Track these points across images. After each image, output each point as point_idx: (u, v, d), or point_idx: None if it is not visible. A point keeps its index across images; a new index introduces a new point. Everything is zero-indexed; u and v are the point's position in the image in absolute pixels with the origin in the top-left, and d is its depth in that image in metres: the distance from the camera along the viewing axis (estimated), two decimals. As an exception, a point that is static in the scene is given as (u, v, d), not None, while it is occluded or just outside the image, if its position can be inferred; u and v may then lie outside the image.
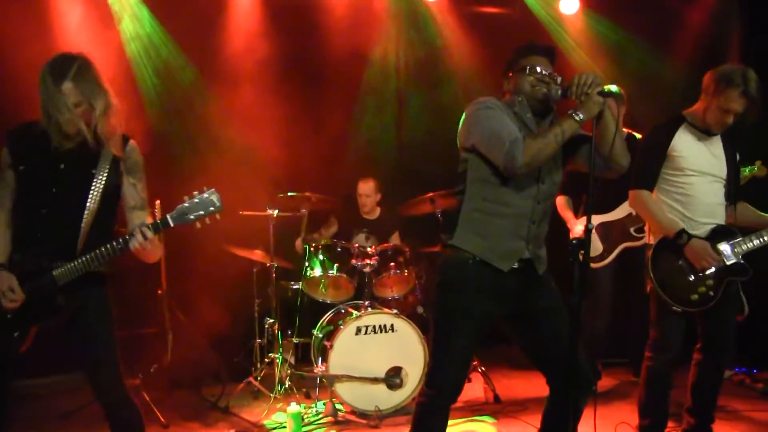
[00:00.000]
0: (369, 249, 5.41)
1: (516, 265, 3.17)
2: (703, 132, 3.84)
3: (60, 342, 5.75)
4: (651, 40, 6.91)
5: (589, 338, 5.26)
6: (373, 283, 5.43)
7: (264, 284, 5.83)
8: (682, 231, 3.75)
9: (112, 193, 3.15)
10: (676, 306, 3.77)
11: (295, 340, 5.83)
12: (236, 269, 5.95)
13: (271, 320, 5.62)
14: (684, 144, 3.82)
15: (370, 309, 5.12)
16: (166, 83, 6.50)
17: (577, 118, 2.97)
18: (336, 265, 5.43)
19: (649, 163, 3.86)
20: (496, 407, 5.18)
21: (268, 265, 5.59)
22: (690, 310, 3.80)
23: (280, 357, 5.42)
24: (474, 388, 5.52)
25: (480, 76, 6.90)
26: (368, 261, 5.32)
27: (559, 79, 3.16)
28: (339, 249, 5.48)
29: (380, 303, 5.40)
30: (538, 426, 3.40)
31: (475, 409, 5.12)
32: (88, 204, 3.06)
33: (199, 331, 5.88)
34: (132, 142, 3.23)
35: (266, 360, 5.53)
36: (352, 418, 4.99)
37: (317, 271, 5.45)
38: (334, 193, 6.03)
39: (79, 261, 3.03)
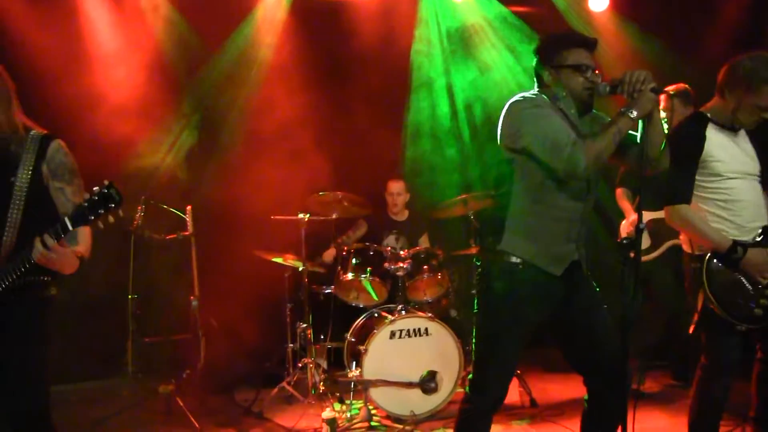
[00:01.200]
0: (401, 252, 5.37)
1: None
2: (729, 129, 3.56)
3: (90, 349, 5.83)
4: (683, 37, 6.79)
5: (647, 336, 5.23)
6: (406, 286, 5.37)
7: (296, 289, 5.82)
8: (735, 244, 3.40)
9: (38, 201, 2.89)
10: (740, 324, 3.44)
11: (328, 344, 5.80)
12: (268, 274, 5.93)
13: (304, 325, 5.59)
14: (717, 147, 3.49)
15: (403, 313, 5.07)
16: (198, 83, 6.56)
17: (631, 116, 2.87)
18: (369, 268, 5.39)
19: (685, 175, 3.50)
20: (533, 411, 5.11)
21: (300, 269, 5.57)
22: (754, 327, 3.47)
23: (314, 362, 5.38)
24: (509, 392, 5.42)
25: (510, 76, 6.85)
26: (401, 264, 5.26)
27: (599, 76, 3.07)
28: (371, 252, 5.45)
29: (413, 306, 5.35)
30: (576, 430, 3.34)
31: (511, 414, 5.04)
32: (9, 216, 2.82)
33: (231, 336, 5.88)
34: (57, 141, 2.97)
35: (299, 365, 5.50)
36: (387, 422, 4.94)
37: (350, 275, 5.41)
38: (364, 194, 6.02)
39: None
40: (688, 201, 3.49)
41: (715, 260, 3.46)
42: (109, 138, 5.65)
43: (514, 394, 5.34)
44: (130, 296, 5.70)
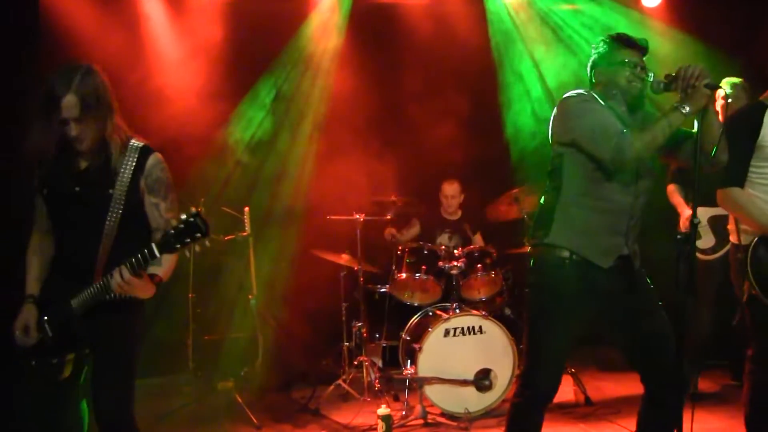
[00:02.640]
0: (456, 251, 5.41)
1: (613, 262, 3.13)
2: None
3: (153, 346, 5.99)
4: (742, 28, 6.66)
5: (695, 336, 5.13)
6: (461, 285, 5.41)
7: (351, 288, 5.91)
8: None
9: (134, 214, 2.97)
10: None
11: (383, 343, 5.87)
12: (324, 274, 6.02)
13: (359, 323, 5.67)
14: None
15: (458, 311, 5.11)
16: (256, 87, 6.73)
17: (684, 111, 2.89)
18: (423, 267, 5.44)
19: (738, 158, 3.47)
20: (588, 409, 5.09)
21: (356, 269, 5.66)
22: None
23: (369, 360, 5.46)
24: (564, 390, 5.34)
25: (563, 74, 6.84)
26: (455, 263, 5.31)
27: (651, 74, 3.09)
28: (426, 251, 5.50)
29: (467, 305, 5.38)
30: (633, 429, 3.34)
31: (566, 411, 5.05)
32: (105, 227, 2.90)
33: (288, 334, 5.99)
34: (156, 155, 3.00)
35: (355, 363, 5.58)
36: (442, 420, 4.98)
37: (404, 274, 5.47)
38: (417, 194, 6.07)
39: (91, 290, 2.89)
40: (740, 184, 3.51)
41: (762, 247, 3.45)
42: (169, 140, 5.82)
43: (568, 393, 5.33)
44: (190, 295, 5.87)
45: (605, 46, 3.21)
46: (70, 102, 2.80)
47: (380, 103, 6.67)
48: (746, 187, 3.53)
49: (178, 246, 2.71)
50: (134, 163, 2.94)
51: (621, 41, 3.19)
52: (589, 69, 3.29)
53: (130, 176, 2.93)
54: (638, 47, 3.18)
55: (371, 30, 6.85)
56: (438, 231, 6.23)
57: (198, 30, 6.31)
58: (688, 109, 2.90)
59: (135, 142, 2.99)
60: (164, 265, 2.96)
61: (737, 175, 3.51)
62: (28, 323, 3.00)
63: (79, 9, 5.80)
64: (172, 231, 2.70)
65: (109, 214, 2.90)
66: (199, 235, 2.70)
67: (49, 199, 2.99)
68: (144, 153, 2.98)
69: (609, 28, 6.73)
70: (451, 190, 6.25)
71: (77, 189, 2.93)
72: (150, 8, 6.24)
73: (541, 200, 3.34)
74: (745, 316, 3.58)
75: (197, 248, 2.79)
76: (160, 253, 2.73)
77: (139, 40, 6.18)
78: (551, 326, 3.16)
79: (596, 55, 3.24)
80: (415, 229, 6.39)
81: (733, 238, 3.68)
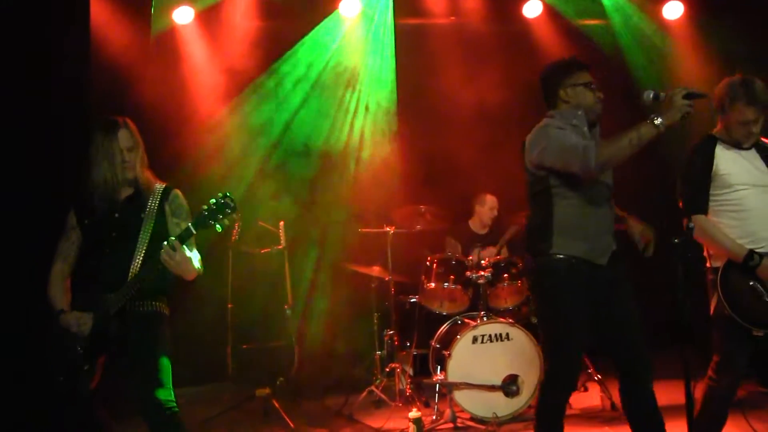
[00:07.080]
0: (482, 261, 5.57)
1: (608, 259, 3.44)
2: (736, 147, 3.72)
3: (194, 356, 6.23)
4: (761, 40, 6.73)
5: None
6: (488, 294, 5.56)
7: (382, 298, 6.09)
8: (752, 252, 3.55)
9: (161, 233, 3.41)
10: (758, 330, 3.57)
11: (413, 351, 6.02)
12: (356, 285, 6.22)
13: (390, 332, 5.85)
14: (726, 161, 3.67)
15: (485, 319, 5.27)
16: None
17: (656, 123, 3.08)
18: (451, 277, 5.61)
19: (698, 187, 3.69)
20: (614, 414, 5.18)
21: (386, 279, 5.85)
22: None
23: (400, 366, 5.64)
24: (591, 397, 5.56)
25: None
26: (482, 273, 5.47)
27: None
28: (453, 262, 5.67)
29: (495, 314, 5.52)
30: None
31: (592, 417, 5.18)
32: (138, 243, 3.38)
33: (322, 343, 6.19)
34: (176, 190, 3.57)
35: (387, 370, 5.76)
36: (471, 424, 5.12)
37: (433, 284, 5.65)
38: (447, 208, 6.25)
39: (123, 287, 3.30)
40: (704, 212, 3.68)
41: (731, 269, 3.60)
42: (210, 162, 6.12)
43: (595, 399, 5.46)
44: (229, 305, 6.11)
45: (566, 69, 3.52)
46: (124, 134, 3.43)
47: (412, 119, 6.88)
48: (710, 215, 3.68)
49: (212, 222, 3.19)
50: (160, 194, 3.51)
51: (576, 65, 3.51)
52: (550, 88, 3.55)
53: (157, 203, 3.48)
54: (588, 69, 3.50)
55: (410, 48, 7.08)
56: (470, 247, 6.33)
57: (236, 55, 6.61)
58: (660, 121, 3.07)
59: (159, 185, 3.55)
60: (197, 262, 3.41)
61: (699, 204, 3.67)
62: (78, 317, 3.36)
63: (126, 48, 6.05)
64: (205, 211, 3.19)
65: (141, 232, 3.40)
66: (229, 210, 3.19)
67: (90, 227, 3.48)
68: (167, 189, 3.56)
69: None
70: (493, 202, 6.44)
71: (116, 215, 3.46)
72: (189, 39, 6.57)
73: (532, 219, 3.60)
74: (712, 330, 3.72)
75: (227, 223, 3.20)
76: (196, 229, 3.24)
77: (180, 72, 6.50)
78: (572, 322, 3.40)
79: (559, 77, 3.52)
80: (458, 247, 6.44)
81: (708, 263, 3.80)
